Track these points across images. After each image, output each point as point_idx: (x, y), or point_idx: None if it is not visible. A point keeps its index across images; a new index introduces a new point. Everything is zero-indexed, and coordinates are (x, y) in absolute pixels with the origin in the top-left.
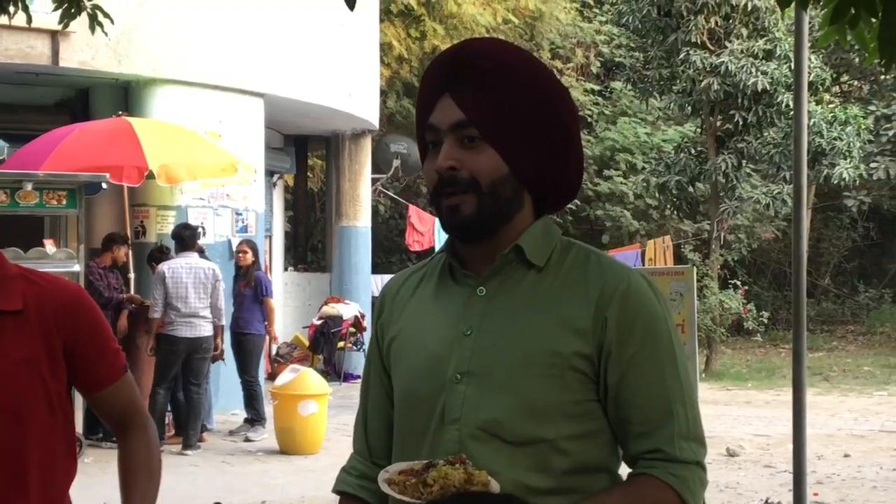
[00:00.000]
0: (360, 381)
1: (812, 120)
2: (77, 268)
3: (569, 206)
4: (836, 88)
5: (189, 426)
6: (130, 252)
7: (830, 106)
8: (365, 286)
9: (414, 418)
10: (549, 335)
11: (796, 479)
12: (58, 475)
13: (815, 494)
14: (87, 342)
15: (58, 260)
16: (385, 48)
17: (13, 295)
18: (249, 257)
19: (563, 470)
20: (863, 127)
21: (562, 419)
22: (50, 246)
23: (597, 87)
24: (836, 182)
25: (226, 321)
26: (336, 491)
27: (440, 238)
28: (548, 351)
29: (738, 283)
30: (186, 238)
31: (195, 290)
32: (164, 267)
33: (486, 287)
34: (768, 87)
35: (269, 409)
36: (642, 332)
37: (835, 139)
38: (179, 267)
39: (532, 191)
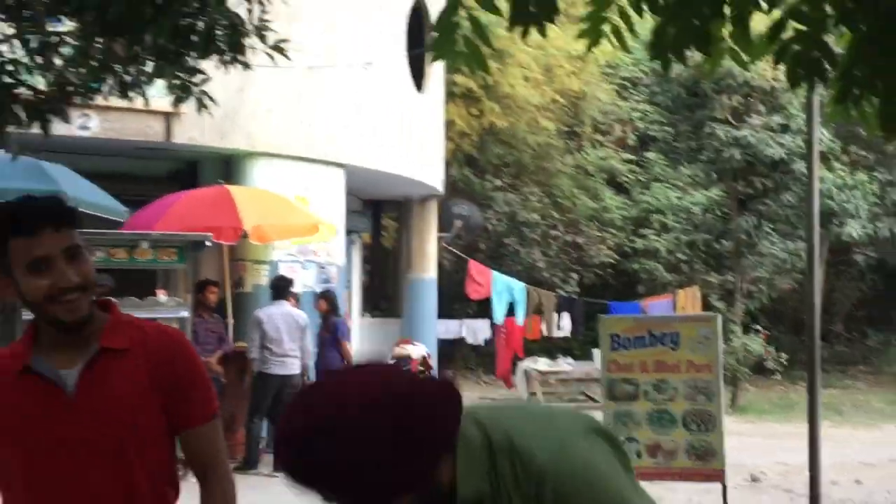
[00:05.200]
0: None
1: (824, 185)
2: (185, 313)
3: (609, 259)
4: (844, 157)
5: None
6: (229, 298)
7: (840, 172)
8: (431, 330)
9: None
10: None
11: (812, 502)
12: (162, 488)
13: None
14: (183, 383)
15: (169, 307)
16: (449, 125)
17: (122, 335)
18: (323, 306)
19: None
20: (869, 191)
21: None
22: (162, 295)
23: (633, 157)
24: (846, 239)
25: (311, 360)
26: None
27: (496, 288)
28: None
29: (760, 328)
30: (281, 288)
31: (287, 335)
32: (261, 314)
33: None
34: (784, 157)
35: None
36: None
37: (844, 202)
38: (275, 313)
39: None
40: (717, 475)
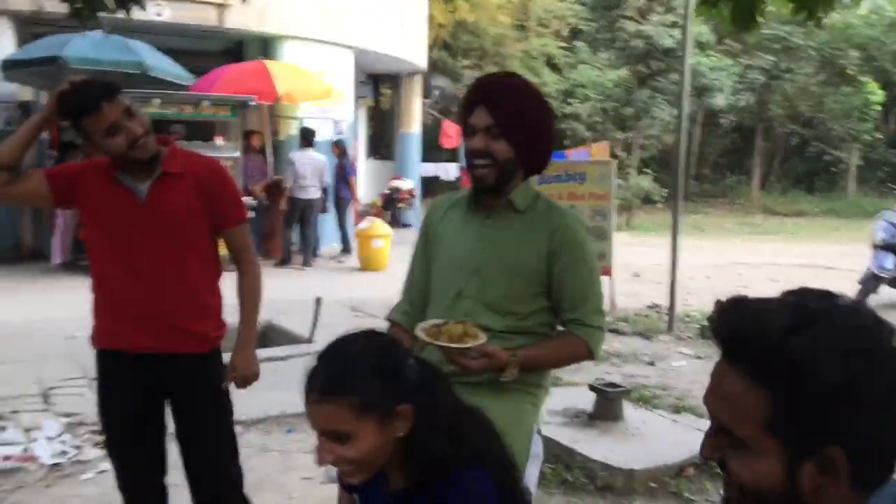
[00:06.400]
0: (409, 228)
1: (700, 67)
2: (237, 154)
3: None
4: (719, 47)
5: (306, 252)
6: (269, 143)
7: (714, 58)
8: (415, 170)
9: (444, 291)
10: (524, 253)
11: (671, 289)
12: (210, 270)
13: (686, 301)
14: (220, 196)
15: (225, 149)
16: (431, 18)
17: (177, 162)
18: (336, 151)
19: (525, 324)
20: (733, 72)
21: (527, 299)
22: (220, 140)
23: (566, 45)
24: (714, 108)
25: (330, 190)
26: (388, 318)
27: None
28: (523, 261)
29: (650, 171)
30: (306, 137)
31: (311, 171)
32: (294, 157)
33: (490, 221)
34: (675, 46)
35: (354, 244)
36: (571, 252)
37: (714, 80)
38: (302, 157)
39: (522, 165)
40: (607, 271)
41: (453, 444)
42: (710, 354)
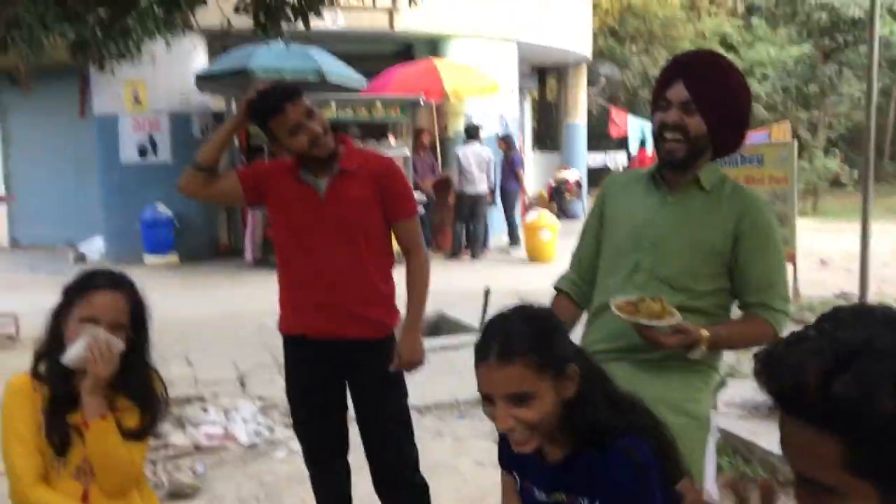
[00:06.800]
0: (576, 219)
1: (894, 36)
2: (407, 152)
3: None
4: None
5: (475, 245)
6: (438, 141)
7: None
8: (582, 160)
9: (619, 263)
10: (707, 231)
11: (862, 277)
12: (383, 260)
13: (880, 289)
14: (392, 191)
15: (396, 148)
16: (596, 6)
17: (353, 160)
18: (503, 145)
19: (700, 303)
20: None
21: (705, 278)
22: (392, 139)
23: (741, 22)
24: None
25: (497, 183)
26: (555, 286)
27: (630, 128)
28: (705, 239)
29: (838, 151)
30: (472, 132)
31: (477, 166)
32: (459, 151)
33: (674, 197)
34: (862, 17)
35: (522, 236)
36: (758, 236)
37: None
38: (468, 151)
39: (713, 144)
40: (791, 257)
41: (612, 411)
42: None
